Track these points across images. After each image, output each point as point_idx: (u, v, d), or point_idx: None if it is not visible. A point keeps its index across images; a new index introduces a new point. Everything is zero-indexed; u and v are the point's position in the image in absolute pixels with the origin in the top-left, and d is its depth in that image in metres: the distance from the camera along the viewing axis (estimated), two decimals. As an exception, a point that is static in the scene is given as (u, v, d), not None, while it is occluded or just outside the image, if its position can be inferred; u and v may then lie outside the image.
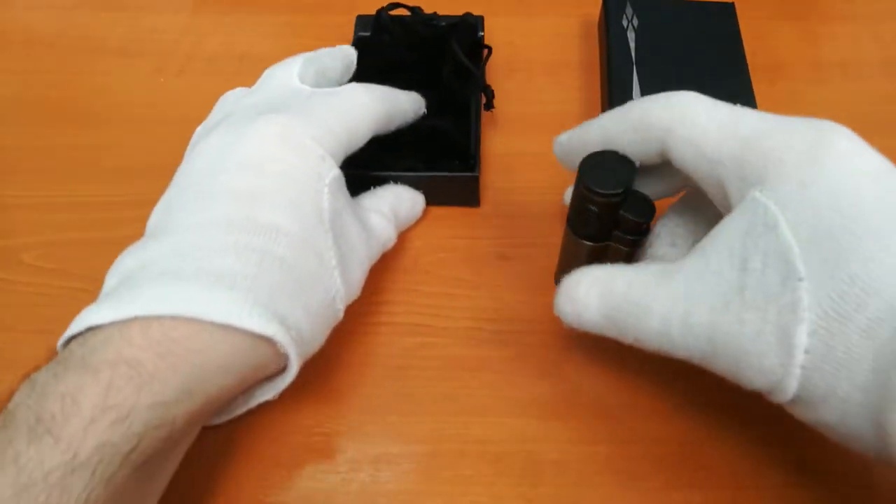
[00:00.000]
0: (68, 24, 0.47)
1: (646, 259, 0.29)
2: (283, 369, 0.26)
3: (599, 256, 0.29)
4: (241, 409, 0.27)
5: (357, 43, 0.42)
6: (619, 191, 0.27)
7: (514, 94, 0.43)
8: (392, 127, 0.34)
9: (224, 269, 0.24)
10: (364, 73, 0.41)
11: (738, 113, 0.24)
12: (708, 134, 0.24)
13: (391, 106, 0.33)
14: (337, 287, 0.27)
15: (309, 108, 0.29)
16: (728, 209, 0.24)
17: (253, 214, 0.25)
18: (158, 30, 0.47)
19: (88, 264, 0.35)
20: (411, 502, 0.29)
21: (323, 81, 0.34)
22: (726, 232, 0.23)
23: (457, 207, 0.38)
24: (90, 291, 0.35)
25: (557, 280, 0.29)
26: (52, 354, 0.23)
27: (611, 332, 0.26)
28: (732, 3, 0.43)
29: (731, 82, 0.39)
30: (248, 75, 0.44)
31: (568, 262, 0.31)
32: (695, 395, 0.31)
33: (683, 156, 0.25)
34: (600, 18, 0.45)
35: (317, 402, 0.31)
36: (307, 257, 0.26)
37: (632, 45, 0.41)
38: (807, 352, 0.20)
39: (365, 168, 0.36)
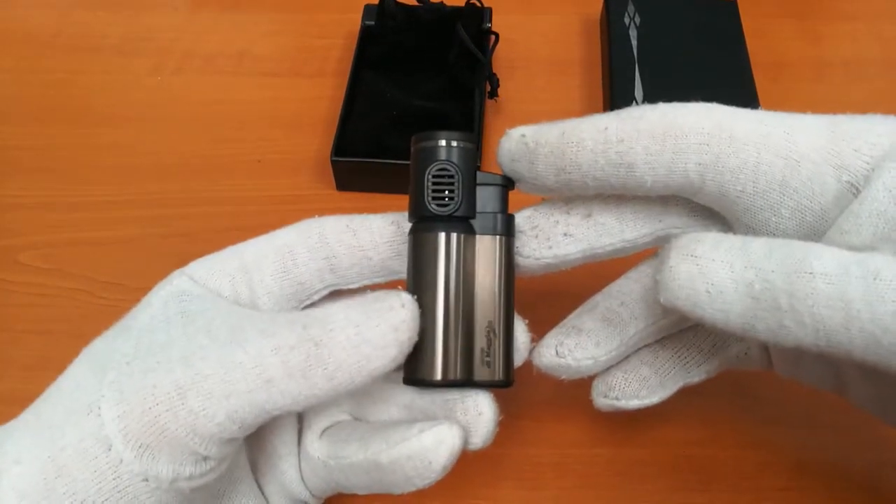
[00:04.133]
0: (66, 22, 0.47)
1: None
2: None
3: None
4: None
5: (363, 32, 0.43)
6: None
7: (515, 91, 0.42)
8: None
9: None
10: (370, 61, 0.41)
11: (787, 114, 0.22)
12: (790, 135, 0.21)
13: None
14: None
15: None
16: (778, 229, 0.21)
17: None
18: (156, 28, 0.46)
19: (86, 264, 0.35)
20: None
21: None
22: (871, 202, 0.20)
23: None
24: (88, 292, 0.35)
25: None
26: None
27: (741, 305, 0.19)
28: (735, 1, 0.43)
29: (733, 80, 0.39)
30: (246, 74, 0.44)
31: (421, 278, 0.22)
32: (695, 398, 0.30)
33: (742, 161, 0.21)
34: (602, 16, 0.45)
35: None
36: None
37: (634, 42, 0.41)
38: None
39: (365, 156, 0.36)
